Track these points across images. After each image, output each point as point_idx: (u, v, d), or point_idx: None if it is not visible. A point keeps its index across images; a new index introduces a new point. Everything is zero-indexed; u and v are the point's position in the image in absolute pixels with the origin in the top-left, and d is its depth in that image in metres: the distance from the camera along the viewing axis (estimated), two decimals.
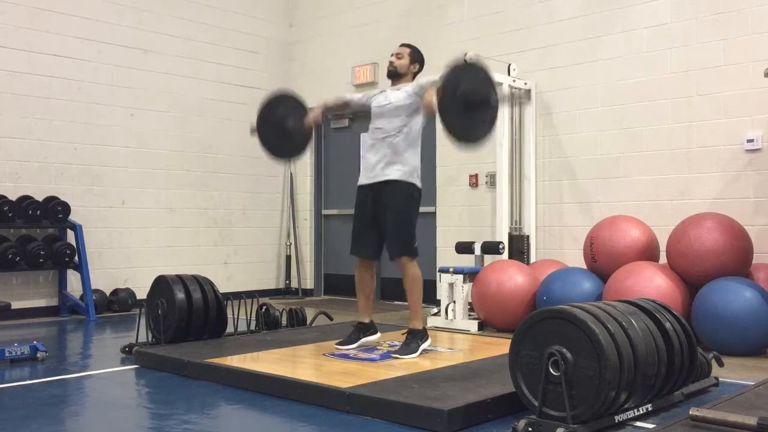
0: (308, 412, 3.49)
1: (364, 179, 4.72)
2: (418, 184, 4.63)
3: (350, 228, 4.81)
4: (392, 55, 4.78)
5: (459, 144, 4.28)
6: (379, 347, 4.74)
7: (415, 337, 4.51)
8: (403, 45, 4.82)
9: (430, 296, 6.30)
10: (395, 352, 4.46)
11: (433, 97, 4.22)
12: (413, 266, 4.53)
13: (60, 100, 7.34)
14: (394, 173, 4.55)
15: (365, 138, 4.79)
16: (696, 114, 6.09)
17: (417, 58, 4.77)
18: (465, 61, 4.24)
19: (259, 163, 9.03)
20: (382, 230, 4.62)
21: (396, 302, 7.88)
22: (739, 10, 5.87)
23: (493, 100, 4.07)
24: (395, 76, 4.73)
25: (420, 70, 4.79)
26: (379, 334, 4.84)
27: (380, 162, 4.60)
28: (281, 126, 4.98)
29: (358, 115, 8.72)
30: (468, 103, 4.07)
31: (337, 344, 4.74)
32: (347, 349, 4.64)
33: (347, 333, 4.84)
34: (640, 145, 6.39)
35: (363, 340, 4.75)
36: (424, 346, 4.52)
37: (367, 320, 4.80)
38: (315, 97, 9.02)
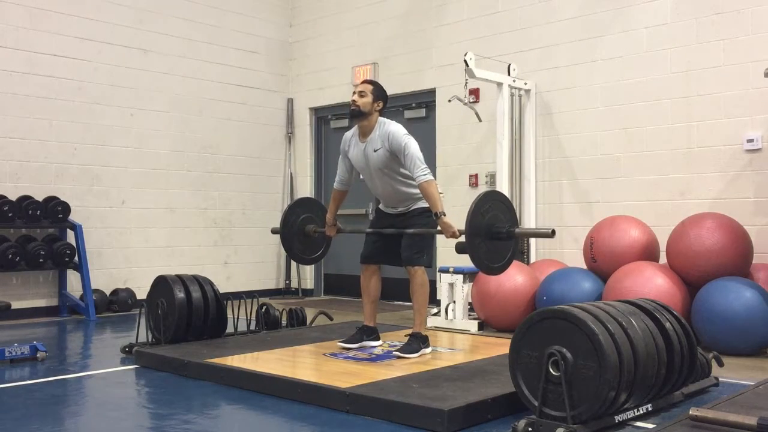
0: (308, 412, 3.49)
1: (383, 208, 4.76)
2: None
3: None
4: (354, 93, 4.58)
5: (482, 270, 4.30)
6: (377, 347, 4.76)
7: (417, 339, 4.53)
8: (365, 82, 4.68)
9: (430, 296, 6.26)
10: (396, 350, 4.48)
11: (451, 230, 4.25)
12: (423, 273, 4.53)
13: (60, 100, 7.34)
14: (413, 205, 4.60)
15: (361, 172, 4.75)
16: (696, 114, 6.08)
17: (380, 95, 4.58)
18: (486, 195, 4.22)
19: (259, 163, 9.05)
20: (395, 243, 4.62)
21: (396, 302, 7.87)
22: (739, 10, 5.86)
23: (514, 233, 4.19)
24: (359, 115, 4.53)
25: (383, 107, 4.62)
26: (381, 342, 4.86)
27: (394, 201, 4.65)
28: (303, 232, 5.10)
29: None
30: (493, 234, 4.14)
31: (340, 342, 4.76)
32: (349, 348, 4.65)
33: (351, 333, 4.86)
34: (640, 145, 6.38)
35: (365, 342, 4.77)
36: (425, 351, 4.54)
37: (371, 324, 4.83)
38: (315, 97, 9.10)
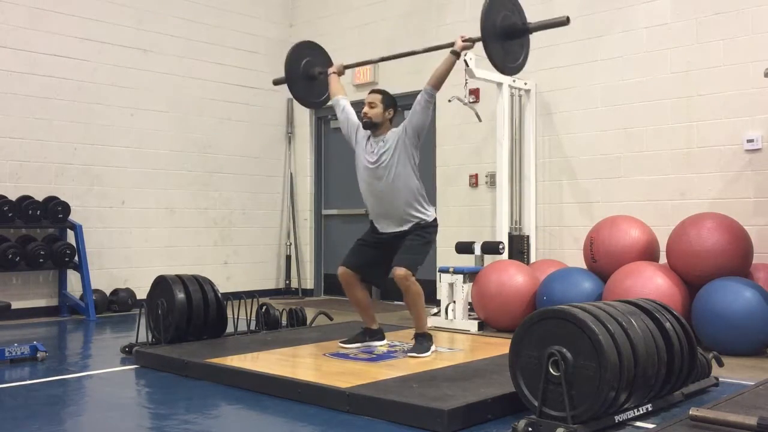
0: (308, 412, 3.49)
1: (377, 225, 4.66)
2: (431, 216, 4.59)
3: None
4: (365, 104, 4.61)
5: (503, 71, 4.56)
6: (379, 347, 4.76)
7: (426, 338, 4.55)
8: (373, 92, 4.69)
9: (430, 296, 6.29)
10: (409, 351, 4.50)
11: (461, 40, 4.53)
12: (415, 282, 4.49)
13: (60, 100, 7.34)
14: (411, 221, 4.53)
15: (361, 182, 4.66)
16: (696, 114, 6.08)
17: (390, 103, 4.63)
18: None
19: (259, 163, 9.05)
20: (387, 260, 4.56)
21: (396, 302, 7.86)
22: (739, 10, 5.86)
23: (527, 27, 4.41)
24: (372, 126, 4.59)
25: (395, 114, 4.66)
26: (385, 341, 4.85)
27: (390, 215, 4.56)
28: (308, 74, 5.26)
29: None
30: (508, 33, 4.35)
31: (341, 342, 4.76)
32: (348, 348, 4.65)
33: (351, 333, 4.85)
34: (640, 145, 6.38)
35: (368, 343, 4.77)
36: (433, 348, 4.56)
37: (374, 327, 4.83)
38: None
